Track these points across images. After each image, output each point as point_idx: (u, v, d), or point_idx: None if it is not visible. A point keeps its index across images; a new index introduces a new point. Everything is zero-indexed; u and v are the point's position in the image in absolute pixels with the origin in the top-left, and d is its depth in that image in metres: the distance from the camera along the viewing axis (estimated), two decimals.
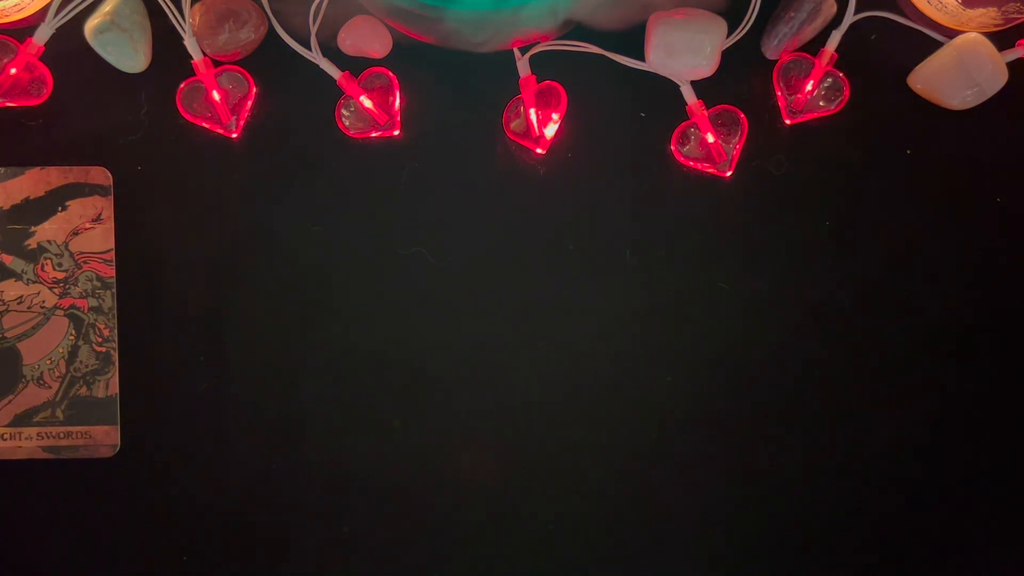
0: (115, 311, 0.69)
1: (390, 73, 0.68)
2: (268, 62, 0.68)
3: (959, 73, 0.67)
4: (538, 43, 0.67)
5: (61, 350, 0.69)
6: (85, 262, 0.69)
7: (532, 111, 0.67)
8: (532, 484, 0.70)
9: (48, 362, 0.69)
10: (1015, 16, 0.66)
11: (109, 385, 0.69)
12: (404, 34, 0.66)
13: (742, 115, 0.68)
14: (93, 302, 0.69)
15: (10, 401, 0.69)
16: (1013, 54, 0.68)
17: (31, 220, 0.68)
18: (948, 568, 0.71)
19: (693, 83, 0.68)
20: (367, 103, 0.67)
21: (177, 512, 0.69)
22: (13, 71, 0.66)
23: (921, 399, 0.70)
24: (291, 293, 0.69)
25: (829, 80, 0.68)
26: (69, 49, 0.67)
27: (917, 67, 0.68)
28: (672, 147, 0.69)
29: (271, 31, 0.68)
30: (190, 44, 0.67)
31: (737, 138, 0.68)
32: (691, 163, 0.69)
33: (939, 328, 0.70)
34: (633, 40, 0.67)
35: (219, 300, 0.69)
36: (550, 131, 0.68)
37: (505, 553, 0.70)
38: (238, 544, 0.70)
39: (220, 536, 0.70)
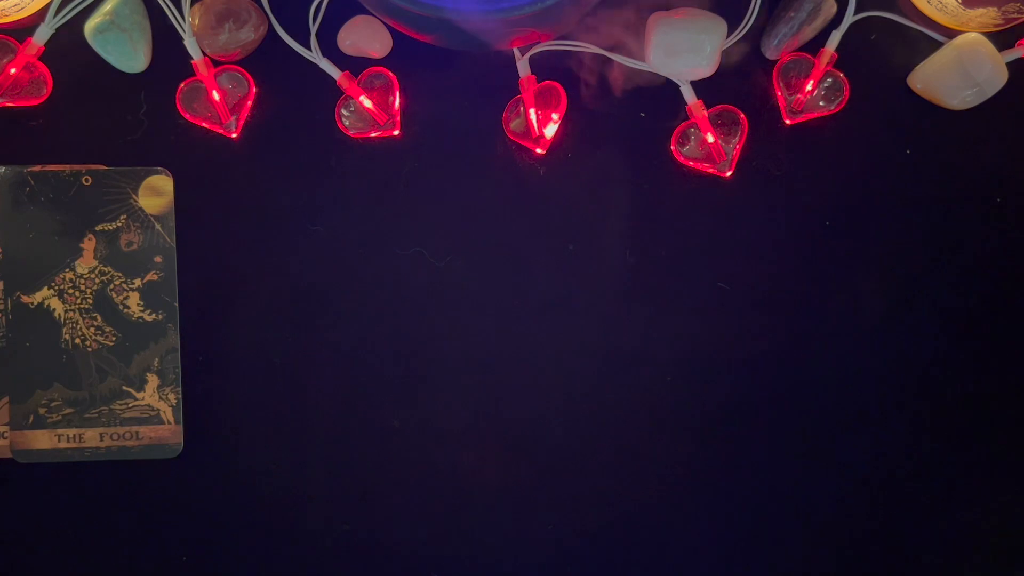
0: None
1: (390, 73, 0.68)
2: (268, 62, 0.68)
3: (959, 73, 0.67)
4: (538, 43, 0.67)
5: None
6: None
7: (532, 111, 0.67)
8: (532, 483, 0.70)
9: None
10: (1015, 16, 0.66)
11: None
12: (404, 34, 0.66)
13: (742, 115, 0.68)
14: None
15: None
16: (1013, 54, 0.68)
17: None
18: (949, 567, 0.71)
19: (693, 83, 0.68)
20: (367, 103, 0.67)
21: (176, 510, 0.69)
22: (13, 71, 0.66)
23: (920, 398, 0.70)
24: (291, 293, 0.69)
25: (829, 80, 0.68)
26: (69, 49, 0.67)
27: (917, 67, 0.68)
28: (672, 147, 0.69)
29: (271, 31, 0.68)
30: (190, 44, 0.67)
31: (737, 138, 0.68)
32: (691, 163, 0.69)
33: (938, 327, 0.70)
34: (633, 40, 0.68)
35: (218, 299, 0.69)
36: (550, 131, 0.68)
37: (505, 553, 0.70)
38: (238, 541, 0.70)
39: (220, 534, 0.70)
